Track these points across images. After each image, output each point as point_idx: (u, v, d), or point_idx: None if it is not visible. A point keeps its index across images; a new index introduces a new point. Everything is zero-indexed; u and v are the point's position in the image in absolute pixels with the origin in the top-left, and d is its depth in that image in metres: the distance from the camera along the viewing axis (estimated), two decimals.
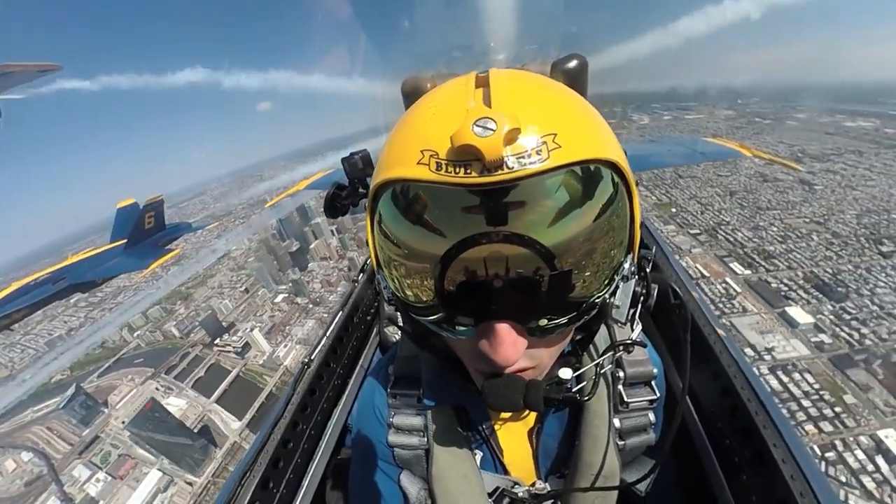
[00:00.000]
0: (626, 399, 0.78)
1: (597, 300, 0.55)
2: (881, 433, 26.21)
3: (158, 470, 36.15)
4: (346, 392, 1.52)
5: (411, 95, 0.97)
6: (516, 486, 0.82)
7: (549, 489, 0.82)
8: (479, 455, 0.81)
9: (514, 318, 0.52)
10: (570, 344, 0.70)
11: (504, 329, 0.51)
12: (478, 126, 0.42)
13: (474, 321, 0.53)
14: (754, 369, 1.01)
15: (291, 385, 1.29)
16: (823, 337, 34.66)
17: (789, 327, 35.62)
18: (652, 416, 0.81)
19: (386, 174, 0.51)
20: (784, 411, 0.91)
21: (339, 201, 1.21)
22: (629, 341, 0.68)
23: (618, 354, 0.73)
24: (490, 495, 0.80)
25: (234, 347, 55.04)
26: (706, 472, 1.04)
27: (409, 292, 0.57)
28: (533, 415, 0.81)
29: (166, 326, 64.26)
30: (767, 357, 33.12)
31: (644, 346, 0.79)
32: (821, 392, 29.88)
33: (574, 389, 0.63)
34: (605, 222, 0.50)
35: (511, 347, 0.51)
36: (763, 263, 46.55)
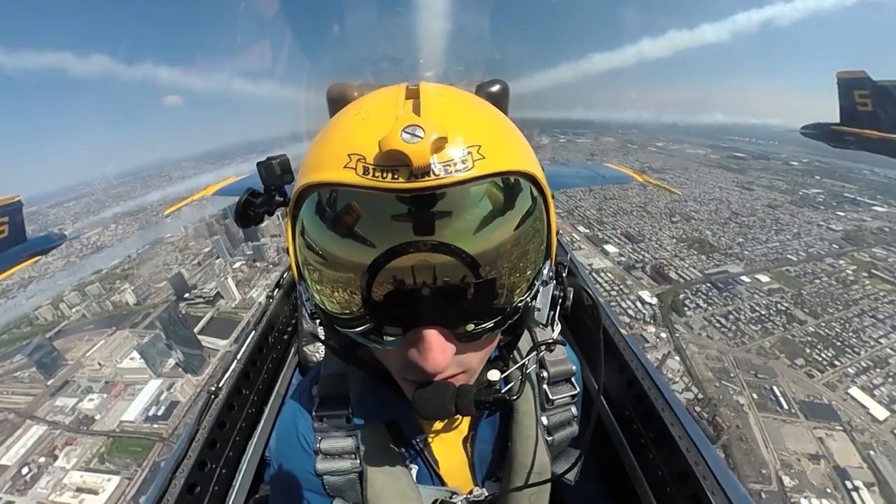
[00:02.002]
0: (551, 397, 0.79)
1: (519, 304, 0.54)
2: (642, 293, 46.46)
3: (157, 378, 39.00)
4: (262, 421, 1.33)
5: (337, 102, 0.99)
6: (455, 496, 0.80)
7: (486, 494, 0.82)
8: (414, 470, 0.77)
9: (442, 324, 0.50)
10: (496, 348, 0.68)
11: (432, 335, 0.50)
12: (406, 133, 0.41)
13: (402, 329, 0.51)
14: (652, 361, 1.11)
15: (196, 419, 1.08)
16: (622, 259, 56.19)
17: (604, 255, 56.98)
18: (574, 410, 0.84)
19: (310, 177, 0.48)
20: (678, 395, 0.96)
21: (252, 209, 1.04)
22: (551, 340, 0.69)
23: (541, 353, 0.74)
24: None
25: (204, 297, 57.18)
26: (619, 453, 1.10)
27: (333, 304, 0.53)
28: (466, 423, 0.80)
29: (115, 298, 62.34)
30: (588, 268, 52.64)
31: (564, 343, 0.79)
32: (615, 281, 50.21)
33: (503, 390, 0.61)
34: (525, 231, 0.50)
35: (440, 353, 0.50)
36: (597, 226, 69.17)
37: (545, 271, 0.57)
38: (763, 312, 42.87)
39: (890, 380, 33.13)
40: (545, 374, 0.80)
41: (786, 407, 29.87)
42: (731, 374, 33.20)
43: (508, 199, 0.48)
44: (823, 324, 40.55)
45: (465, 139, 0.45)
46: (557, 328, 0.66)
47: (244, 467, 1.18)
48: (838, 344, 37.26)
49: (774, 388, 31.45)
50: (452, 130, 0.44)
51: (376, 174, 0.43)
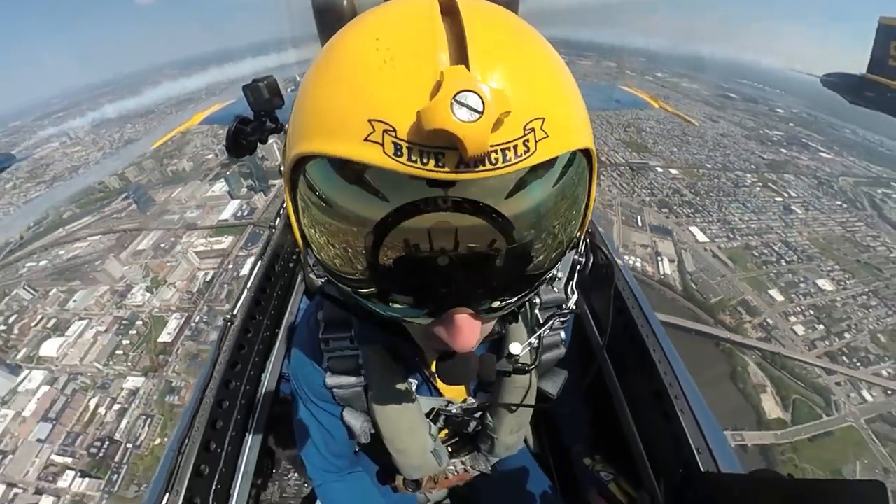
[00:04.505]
0: (541, 321, 0.75)
1: (547, 275, 0.48)
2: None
3: (235, 199, 52.22)
4: (277, 343, 1.40)
5: (325, 14, 0.87)
6: (450, 405, 0.86)
7: (478, 403, 0.88)
8: (413, 383, 0.81)
9: (469, 305, 0.44)
10: None
11: (463, 319, 0.44)
12: (460, 104, 0.28)
13: (414, 300, 0.44)
14: (643, 292, 1.13)
15: (216, 344, 1.16)
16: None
17: None
18: (563, 335, 0.87)
19: (316, 145, 0.36)
20: (662, 325, 0.99)
21: (244, 137, 0.95)
22: (567, 311, 0.62)
23: (553, 321, 0.68)
24: (427, 416, 0.85)
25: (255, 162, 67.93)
26: (602, 372, 1.15)
27: (335, 260, 0.44)
28: None
29: (172, 168, 72.28)
30: None
31: (578, 312, 0.73)
32: None
33: (520, 360, 0.60)
34: (566, 197, 0.42)
35: (471, 336, 0.46)
36: None
37: (576, 240, 0.50)
38: (657, 187, 55.99)
39: (724, 229, 47.90)
40: (537, 300, 0.74)
41: (640, 225, 44.87)
42: (612, 207, 47.41)
43: (553, 163, 0.38)
44: (699, 199, 53.64)
45: (529, 110, 0.33)
46: (574, 297, 0.61)
47: (264, 384, 1.25)
48: (701, 209, 51.26)
49: (638, 216, 46.17)
50: (516, 96, 0.32)
51: (413, 157, 0.31)
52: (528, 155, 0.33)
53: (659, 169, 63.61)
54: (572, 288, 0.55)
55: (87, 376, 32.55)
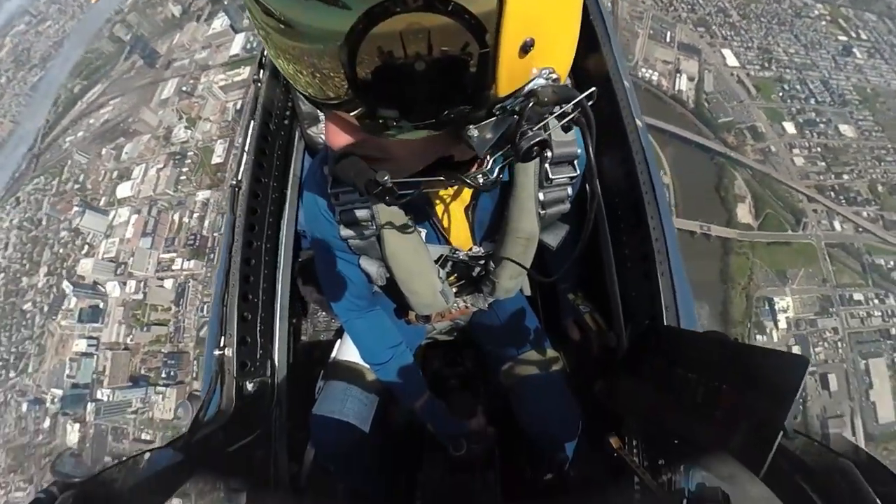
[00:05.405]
0: (550, 176, 0.79)
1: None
2: None
3: (240, 33, 49.84)
4: (288, 201, 1.38)
5: None
6: (457, 252, 0.89)
7: (483, 252, 0.91)
8: (423, 232, 0.83)
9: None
10: None
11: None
12: None
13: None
14: (654, 162, 1.11)
15: (230, 210, 1.16)
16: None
17: None
18: (570, 191, 0.85)
19: None
20: (666, 194, 1.15)
21: None
22: (559, 143, 0.61)
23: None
24: (436, 262, 0.89)
25: None
26: (598, 230, 1.15)
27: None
28: (468, 193, 0.81)
29: (159, 16, 65.51)
30: None
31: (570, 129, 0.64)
32: None
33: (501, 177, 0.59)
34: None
35: None
36: None
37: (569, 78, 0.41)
38: (700, 3, 47.57)
39: (761, 58, 43.05)
40: (549, 154, 0.62)
41: (668, 41, 41.66)
42: (642, 20, 42.91)
43: None
44: (745, 23, 46.03)
45: None
46: (571, 134, 0.59)
47: (283, 240, 1.28)
48: (744, 33, 45.02)
49: (668, 32, 42.28)
50: None
51: None
52: None
53: None
54: (570, 125, 0.47)
55: (164, 200, 38.92)
